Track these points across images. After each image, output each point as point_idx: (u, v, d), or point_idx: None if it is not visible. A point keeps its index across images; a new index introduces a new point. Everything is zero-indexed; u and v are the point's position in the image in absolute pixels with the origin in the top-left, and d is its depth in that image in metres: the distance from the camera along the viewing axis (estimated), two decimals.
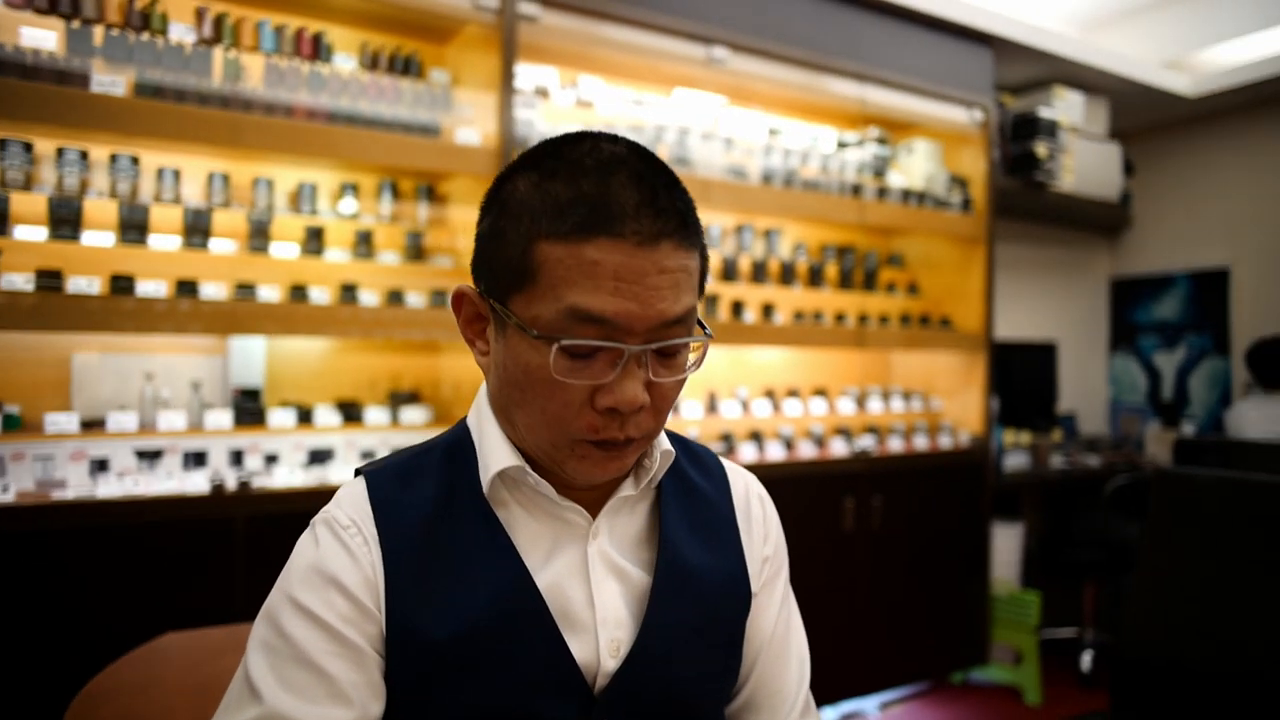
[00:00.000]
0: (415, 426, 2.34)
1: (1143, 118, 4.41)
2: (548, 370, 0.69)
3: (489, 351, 0.77)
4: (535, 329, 0.69)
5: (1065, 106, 3.83)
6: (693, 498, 0.85)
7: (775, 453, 2.87)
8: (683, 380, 0.74)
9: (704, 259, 0.75)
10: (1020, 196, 3.73)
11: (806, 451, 2.95)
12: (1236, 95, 4.11)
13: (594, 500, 0.79)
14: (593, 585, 0.77)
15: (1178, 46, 3.98)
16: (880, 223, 3.20)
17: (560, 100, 2.63)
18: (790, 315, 3.10)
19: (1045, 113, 3.71)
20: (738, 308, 2.92)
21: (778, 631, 0.87)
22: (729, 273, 2.93)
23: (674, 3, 2.63)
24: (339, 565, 0.73)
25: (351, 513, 0.76)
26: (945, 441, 3.30)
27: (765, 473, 2.39)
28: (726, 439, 2.89)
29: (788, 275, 3.08)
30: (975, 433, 3.40)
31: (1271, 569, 1.88)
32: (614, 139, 0.73)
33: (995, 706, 3.28)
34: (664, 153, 2.71)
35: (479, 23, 2.39)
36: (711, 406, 2.91)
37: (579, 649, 0.75)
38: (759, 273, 3.02)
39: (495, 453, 0.76)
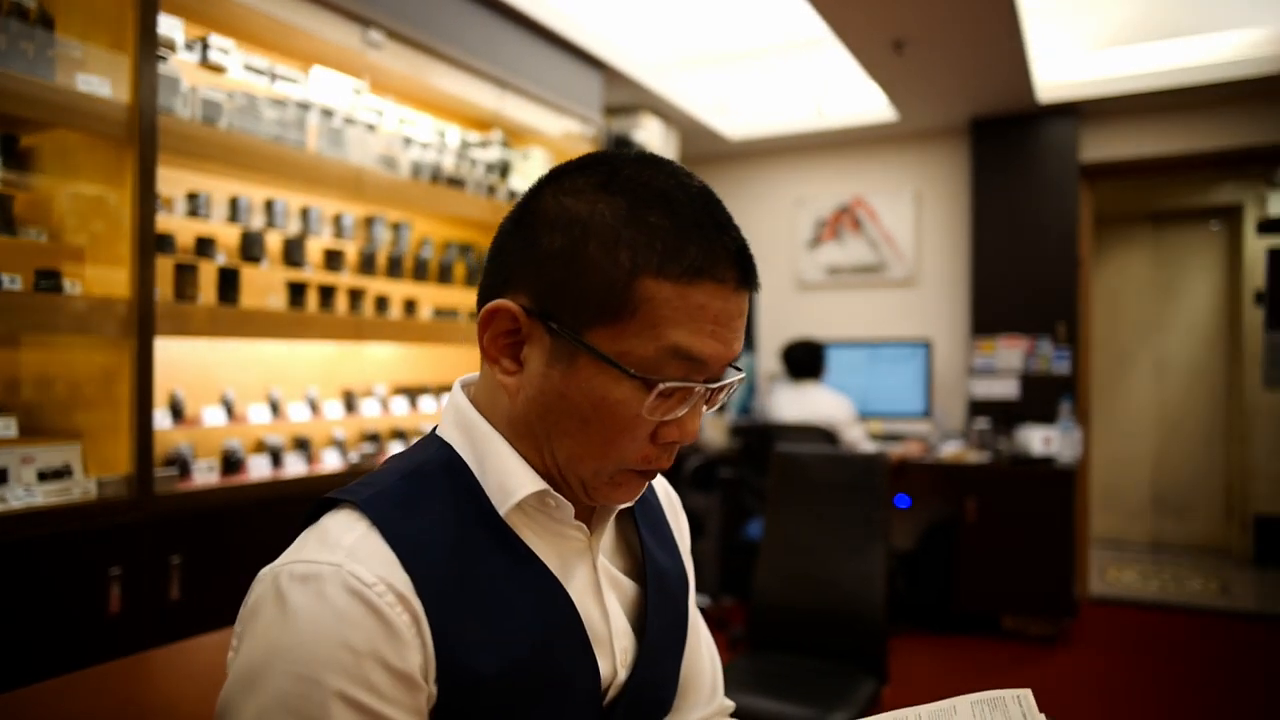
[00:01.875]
0: (8, 441, 1.85)
1: (701, 149, 5.19)
2: (631, 406, 0.68)
3: (517, 372, 0.71)
4: (631, 366, 0.67)
5: (649, 132, 4.35)
6: (641, 502, 0.88)
7: None
8: None
9: None
10: None
11: None
12: (759, 144, 5.06)
13: (580, 514, 0.77)
14: (605, 599, 0.77)
15: (730, 94, 4.77)
16: None
17: (183, 58, 2.28)
18: (428, 311, 3.07)
19: (638, 136, 4.18)
20: (382, 302, 2.82)
21: (694, 619, 0.93)
22: (368, 266, 2.80)
23: None
24: (374, 637, 0.61)
25: (375, 567, 0.64)
26: None
27: None
28: (374, 439, 2.77)
29: (421, 271, 3.04)
30: None
31: (852, 521, 2.40)
32: (679, 167, 0.73)
33: None
34: (313, 135, 2.51)
35: None
36: (350, 405, 2.76)
37: (601, 664, 0.75)
38: (394, 267, 2.93)
39: (514, 476, 0.72)
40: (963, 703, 0.72)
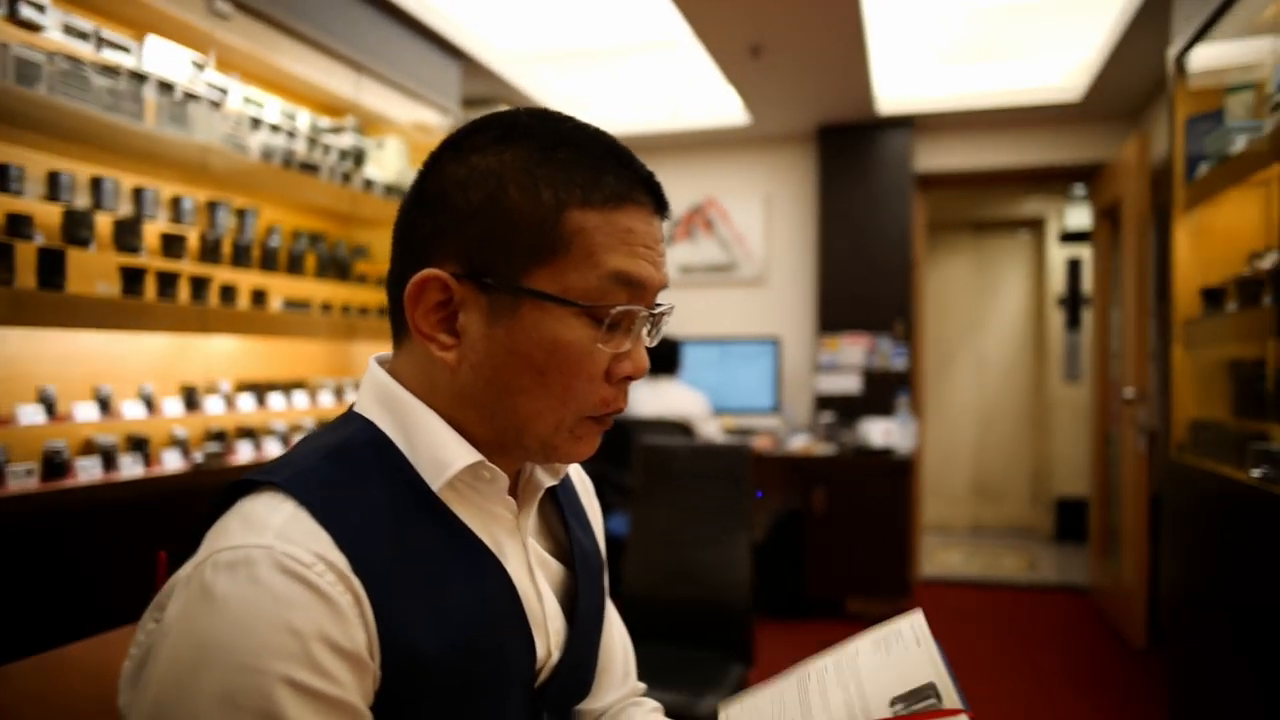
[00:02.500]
0: None
1: None
2: (583, 344, 0.68)
3: (454, 345, 0.69)
4: (575, 299, 0.67)
5: None
6: (561, 485, 0.86)
7: (273, 448, 2.66)
8: None
9: None
10: None
11: None
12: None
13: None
14: (537, 580, 0.75)
15: (588, 91, 4.78)
16: (371, 215, 3.18)
17: None
18: (278, 302, 2.89)
19: None
20: (227, 292, 2.63)
21: (607, 602, 0.93)
22: (211, 253, 2.60)
23: None
24: (318, 617, 0.58)
25: (309, 544, 0.59)
26: None
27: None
28: (219, 437, 2.58)
29: (270, 260, 2.86)
30: None
31: (718, 511, 2.46)
32: (569, 115, 0.72)
33: None
34: (151, 110, 2.31)
35: None
36: (191, 402, 2.55)
37: (537, 645, 0.73)
38: (240, 255, 2.74)
39: (448, 449, 0.69)
40: (864, 642, 0.76)
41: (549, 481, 0.79)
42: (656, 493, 2.51)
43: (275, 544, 0.59)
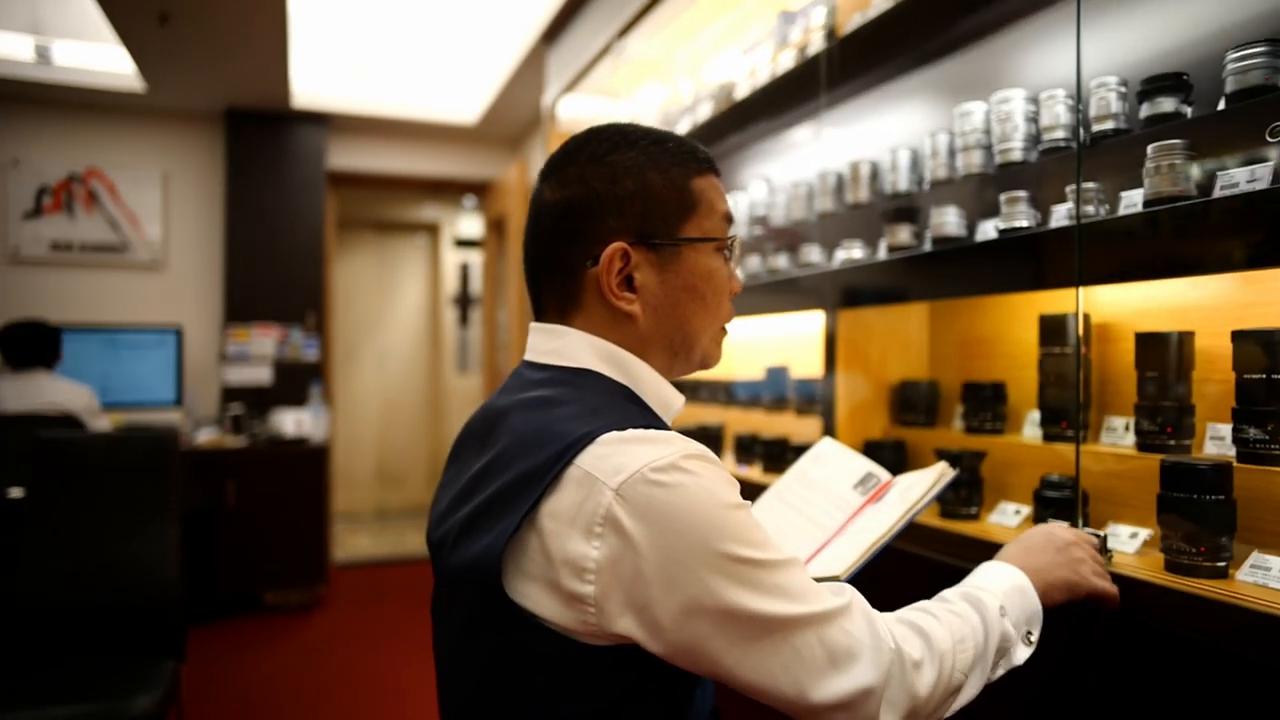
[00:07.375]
0: None
1: None
2: (722, 270, 0.94)
3: (635, 299, 0.90)
4: (713, 238, 0.92)
5: None
6: None
7: None
8: None
9: None
10: None
11: None
12: None
13: None
14: None
15: None
16: None
17: None
18: None
19: None
20: None
21: None
22: None
23: None
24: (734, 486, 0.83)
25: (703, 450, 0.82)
26: None
27: None
28: None
29: None
30: None
31: (141, 508, 2.33)
32: (638, 125, 0.96)
33: None
34: None
35: None
36: None
37: None
38: None
39: (669, 392, 0.94)
40: (803, 464, 1.11)
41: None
42: (60, 493, 2.23)
43: (694, 448, 0.80)
